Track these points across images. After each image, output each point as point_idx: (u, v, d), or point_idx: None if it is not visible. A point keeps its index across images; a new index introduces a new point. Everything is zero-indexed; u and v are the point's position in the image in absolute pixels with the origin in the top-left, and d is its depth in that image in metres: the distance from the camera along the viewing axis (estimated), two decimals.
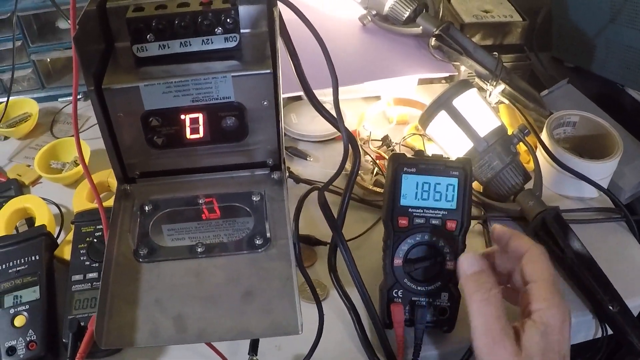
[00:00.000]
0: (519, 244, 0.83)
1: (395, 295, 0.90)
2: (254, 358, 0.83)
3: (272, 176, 0.90)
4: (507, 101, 1.29)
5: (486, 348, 0.75)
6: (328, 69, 0.82)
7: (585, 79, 1.51)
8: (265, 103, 0.83)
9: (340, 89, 1.24)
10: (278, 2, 0.82)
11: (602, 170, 1.15)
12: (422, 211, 0.88)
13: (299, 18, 0.79)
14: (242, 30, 0.84)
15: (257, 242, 0.81)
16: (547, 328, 0.75)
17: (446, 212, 0.88)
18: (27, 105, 1.37)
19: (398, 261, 0.88)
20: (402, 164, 0.89)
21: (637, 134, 1.30)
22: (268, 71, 0.80)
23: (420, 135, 1.25)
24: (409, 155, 0.91)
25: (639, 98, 1.43)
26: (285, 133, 1.30)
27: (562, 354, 0.75)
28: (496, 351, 0.74)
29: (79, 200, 1.12)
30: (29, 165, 1.25)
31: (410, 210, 0.88)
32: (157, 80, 0.80)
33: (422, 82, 1.43)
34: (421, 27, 1.41)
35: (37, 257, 0.97)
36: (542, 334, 0.74)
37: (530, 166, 1.14)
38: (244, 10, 0.86)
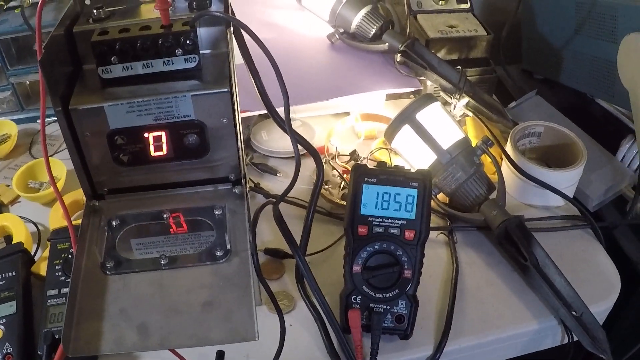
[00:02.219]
0: None
1: (354, 301, 0.92)
2: None
3: (234, 190, 0.93)
4: (471, 114, 1.32)
5: None
6: (279, 84, 0.85)
7: (556, 91, 1.53)
8: (224, 120, 0.86)
9: (310, 105, 1.28)
10: (234, 23, 0.85)
11: (566, 179, 1.17)
12: (381, 220, 0.91)
13: (252, 38, 0.82)
14: (202, 51, 0.88)
15: (218, 253, 0.84)
16: None
17: (405, 222, 0.91)
18: (6, 126, 1.40)
19: (357, 268, 0.91)
20: (363, 174, 0.92)
21: (607, 143, 1.32)
22: (225, 90, 0.83)
23: (387, 149, 1.28)
24: (371, 167, 0.93)
25: (608, 107, 1.45)
26: (256, 150, 1.33)
27: None
28: None
29: (55, 218, 1.15)
30: (8, 185, 1.27)
31: (370, 219, 0.91)
32: (121, 101, 0.83)
33: (391, 97, 1.45)
34: (387, 44, 1.43)
35: (14, 273, 1.00)
36: None
37: (496, 177, 1.17)
38: (205, 32, 0.89)
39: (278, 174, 1.28)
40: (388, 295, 0.91)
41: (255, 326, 0.76)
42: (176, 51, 0.85)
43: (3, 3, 1.35)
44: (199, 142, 0.88)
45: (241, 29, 0.85)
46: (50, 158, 1.10)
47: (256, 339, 0.76)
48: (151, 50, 0.84)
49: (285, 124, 0.89)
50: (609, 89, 1.36)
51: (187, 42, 0.84)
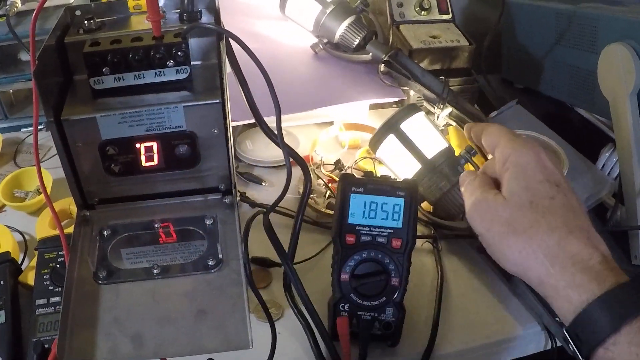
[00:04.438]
0: (489, 139, 0.90)
1: (342, 309, 0.93)
2: None
3: (224, 200, 0.94)
4: (454, 123, 1.33)
5: (474, 208, 0.85)
6: (271, 97, 0.86)
7: (536, 100, 1.54)
8: (215, 131, 0.87)
9: (294, 115, 1.28)
10: (225, 35, 0.86)
11: None
12: (368, 229, 0.91)
13: (244, 50, 0.83)
14: (193, 62, 0.88)
15: (210, 263, 0.85)
16: (522, 167, 0.82)
17: (392, 231, 0.91)
18: None
19: (345, 276, 0.91)
20: (350, 183, 0.92)
21: (587, 151, 1.33)
22: (217, 101, 0.84)
23: (371, 158, 1.29)
24: (358, 177, 0.94)
25: (588, 116, 1.47)
26: (240, 159, 1.34)
27: (553, 181, 0.80)
28: (482, 206, 0.84)
29: (42, 228, 1.14)
30: None
31: (357, 228, 0.91)
32: (113, 111, 0.84)
33: (374, 107, 1.46)
34: (371, 54, 1.45)
35: (2, 283, 0.99)
36: (518, 176, 0.81)
37: None
38: (195, 43, 0.90)
39: (263, 183, 1.29)
40: (376, 302, 0.92)
41: (249, 335, 0.77)
42: (168, 62, 0.86)
43: None
44: (190, 152, 0.89)
45: (231, 40, 0.86)
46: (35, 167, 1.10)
47: (250, 347, 0.77)
48: (143, 61, 0.85)
49: (275, 136, 0.90)
50: (589, 98, 1.38)
51: (179, 53, 0.85)
